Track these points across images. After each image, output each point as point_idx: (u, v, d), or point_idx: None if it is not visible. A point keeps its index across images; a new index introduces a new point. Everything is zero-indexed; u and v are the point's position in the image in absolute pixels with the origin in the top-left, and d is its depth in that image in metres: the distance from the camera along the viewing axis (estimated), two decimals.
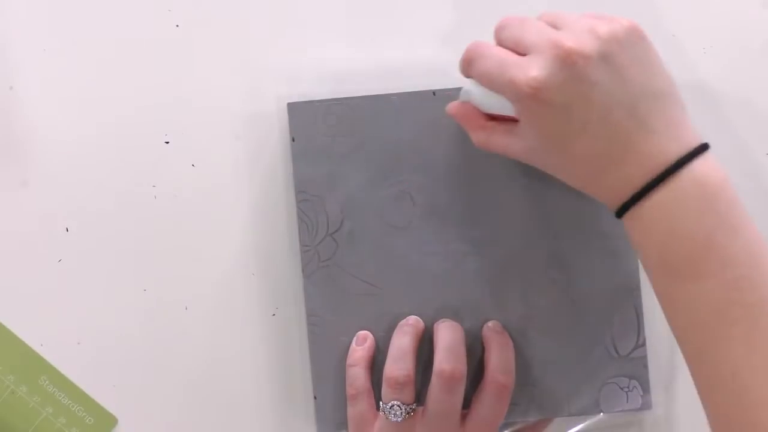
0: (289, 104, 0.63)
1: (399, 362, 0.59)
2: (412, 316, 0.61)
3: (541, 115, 0.51)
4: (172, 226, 0.64)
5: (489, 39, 0.64)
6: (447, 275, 0.62)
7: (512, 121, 0.55)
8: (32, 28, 0.65)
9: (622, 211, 0.52)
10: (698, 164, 0.50)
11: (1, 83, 0.65)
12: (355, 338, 0.61)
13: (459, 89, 0.62)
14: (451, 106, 0.59)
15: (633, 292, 0.62)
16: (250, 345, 0.65)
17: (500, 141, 0.56)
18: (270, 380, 0.65)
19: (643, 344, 0.62)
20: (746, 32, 0.65)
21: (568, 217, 0.62)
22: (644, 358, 0.62)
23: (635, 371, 0.62)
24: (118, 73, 0.65)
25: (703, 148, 0.51)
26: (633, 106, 0.50)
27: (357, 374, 0.60)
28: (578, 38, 0.50)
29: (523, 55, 0.52)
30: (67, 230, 0.64)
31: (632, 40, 0.51)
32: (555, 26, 0.52)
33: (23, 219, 0.64)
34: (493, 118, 0.57)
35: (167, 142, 0.65)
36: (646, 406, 0.62)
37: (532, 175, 0.62)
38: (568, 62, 0.50)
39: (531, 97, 0.50)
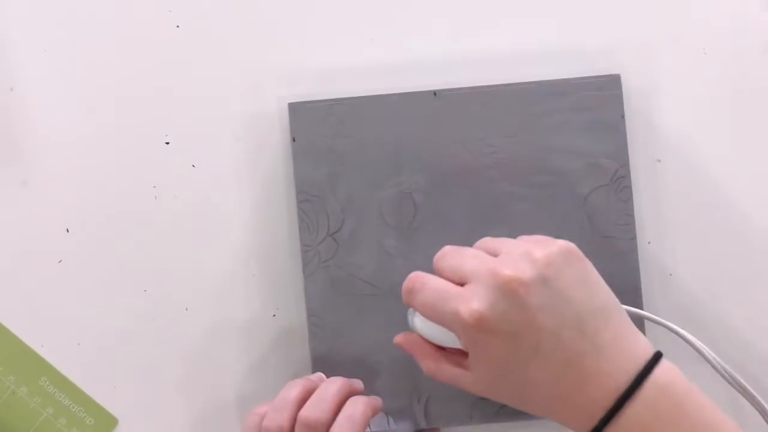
0: (290, 104, 0.63)
1: (276, 413, 0.56)
2: (318, 374, 0.61)
3: (489, 345, 0.50)
4: (173, 227, 0.64)
5: (489, 39, 0.65)
6: None
7: (462, 352, 0.53)
8: (32, 29, 0.65)
9: None
10: (659, 373, 0.50)
11: (2, 84, 0.65)
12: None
13: (460, 90, 0.62)
14: (398, 337, 0.57)
15: (633, 292, 0.62)
16: (251, 345, 0.65)
17: (450, 372, 0.54)
18: (270, 381, 0.65)
19: None
20: (746, 33, 0.65)
21: (568, 218, 0.62)
22: None
23: None
24: (118, 73, 0.65)
25: (658, 356, 0.50)
26: (581, 325, 0.50)
27: (250, 423, 0.57)
28: (515, 265, 0.50)
29: (463, 284, 0.51)
30: (68, 231, 0.64)
31: (568, 261, 0.51)
32: (492, 253, 0.52)
33: (23, 219, 0.64)
34: (442, 347, 0.56)
35: (167, 143, 0.65)
36: None
37: (532, 177, 0.62)
38: (508, 290, 0.49)
39: (476, 328, 0.50)
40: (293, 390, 0.57)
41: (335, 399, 0.57)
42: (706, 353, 0.58)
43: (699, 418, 0.49)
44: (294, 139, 0.63)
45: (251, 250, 0.65)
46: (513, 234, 0.62)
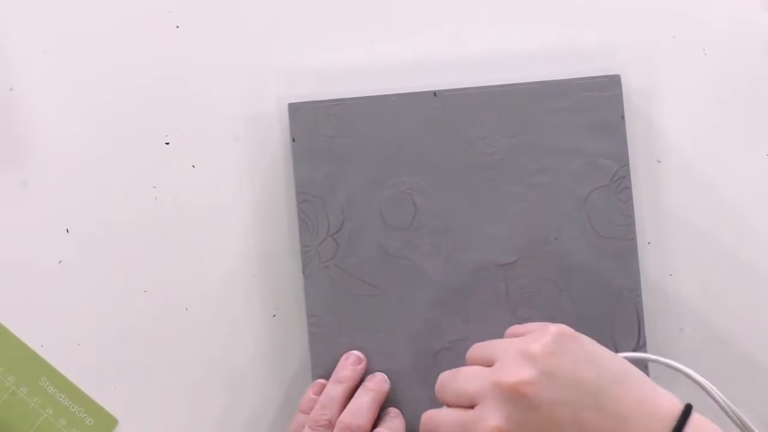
0: (290, 105, 0.63)
1: (325, 408, 0.60)
2: (355, 354, 0.62)
3: None
4: (173, 227, 0.64)
5: (489, 39, 0.65)
6: (447, 276, 0.62)
7: None
8: (32, 29, 0.65)
9: None
10: (691, 429, 0.49)
11: (2, 84, 0.65)
12: (312, 386, 0.62)
13: (460, 90, 0.62)
14: None
15: (633, 292, 0.62)
16: (251, 346, 0.65)
17: None
18: (270, 381, 0.65)
19: (644, 345, 0.62)
20: (746, 33, 0.65)
21: (568, 218, 0.62)
22: None
23: None
24: (118, 73, 0.65)
25: (688, 410, 0.50)
26: (597, 402, 0.49)
27: (300, 421, 0.60)
28: (515, 369, 0.50)
29: (473, 406, 0.51)
30: (68, 231, 0.64)
31: (564, 345, 0.51)
32: (487, 361, 0.52)
33: (23, 219, 0.64)
34: None
35: (167, 143, 0.65)
36: None
37: (532, 177, 0.62)
38: (516, 397, 0.49)
39: None
40: (337, 389, 0.60)
41: (372, 407, 0.60)
42: (715, 394, 0.57)
43: None
44: (294, 140, 0.62)
45: (251, 250, 0.65)
46: (514, 233, 0.62)
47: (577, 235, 0.62)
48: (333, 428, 0.59)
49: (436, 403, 0.62)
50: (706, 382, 0.56)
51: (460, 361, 0.62)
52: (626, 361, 0.52)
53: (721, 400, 0.56)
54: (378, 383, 0.61)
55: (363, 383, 0.62)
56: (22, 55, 0.65)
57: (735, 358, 0.64)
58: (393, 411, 0.62)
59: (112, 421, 0.65)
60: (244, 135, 0.65)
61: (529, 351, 0.50)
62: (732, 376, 0.64)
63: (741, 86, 0.65)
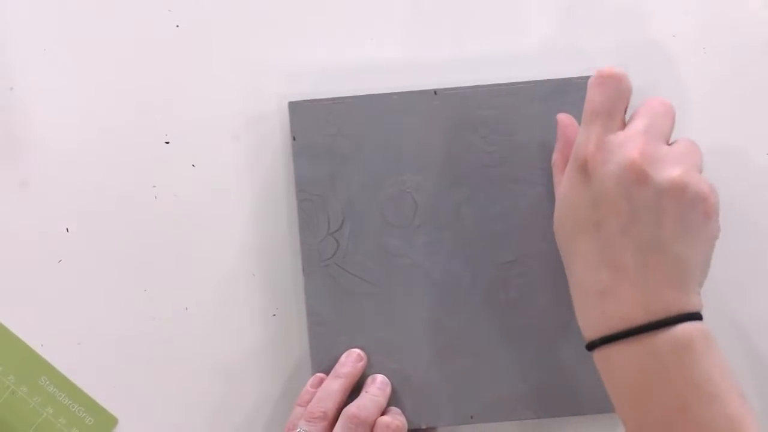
0: (290, 103, 0.63)
1: (321, 401, 0.60)
2: (356, 352, 0.62)
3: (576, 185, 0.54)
4: (173, 227, 0.64)
5: (489, 39, 0.65)
6: (447, 275, 0.62)
7: None
8: (32, 28, 0.65)
9: (591, 347, 0.53)
10: (682, 328, 0.50)
11: (1, 84, 0.65)
12: (311, 379, 0.62)
13: (460, 90, 0.62)
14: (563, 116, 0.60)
15: None
16: (251, 345, 0.65)
17: (557, 179, 0.59)
18: (270, 380, 0.65)
19: None
20: (746, 32, 0.65)
21: None
22: None
23: None
24: (118, 73, 0.65)
25: (695, 317, 0.51)
26: (662, 250, 0.51)
27: (298, 414, 0.61)
28: (678, 163, 0.52)
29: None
30: (68, 230, 0.64)
31: (694, 203, 0.52)
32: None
33: (23, 219, 0.64)
34: None
35: (167, 142, 0.65)
36: None
37: (532, 176, 0.62)
38: (634, 168, 0.51)
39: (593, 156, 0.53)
40: (335, 383, 0.61)
41: (376, 407, 0.60)
42: None
43: (703, 386, 0.49)
44: (294, 138, 0.63)
45: (251, 249, 0.65)
46: (514, 233, 0.62)
47: None
48: (328, 420, 0.59)
49: (436, 402, 0.62)
50: None
51: (460, 360, 0.62)
52: (707, 261, 0.55)
53: None
54: (380, 388, 0.62)
55: (364, 388, 0.62)
56: (22, 55, 0.65)
57: (735, 359, 0.64)
58: (394, 409, 0.62)
59: (112, 421, 0.65)
60: (244, 134, 0.65)
61: (683, 171, 0.52)
62: None
63: (741, 85, 0.65)
